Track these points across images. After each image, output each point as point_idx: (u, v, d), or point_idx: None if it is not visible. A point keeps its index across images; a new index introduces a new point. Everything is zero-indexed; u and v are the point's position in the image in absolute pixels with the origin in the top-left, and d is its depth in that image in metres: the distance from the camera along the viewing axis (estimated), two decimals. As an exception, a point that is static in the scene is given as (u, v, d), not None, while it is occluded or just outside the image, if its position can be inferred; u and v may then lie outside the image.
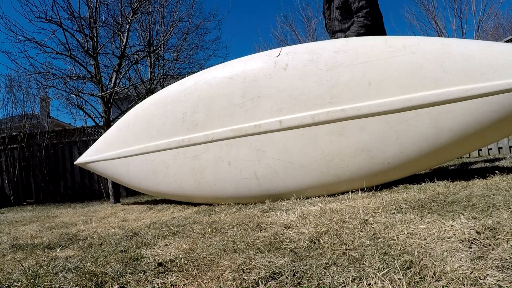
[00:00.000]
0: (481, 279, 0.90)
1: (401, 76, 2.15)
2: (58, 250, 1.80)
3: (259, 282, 1.06)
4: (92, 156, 3.57)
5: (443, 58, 2.07)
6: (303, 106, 2.38)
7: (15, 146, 6.99)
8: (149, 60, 6.75)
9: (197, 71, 4.01)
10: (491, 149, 5.51)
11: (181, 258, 1.37)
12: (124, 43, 5.37)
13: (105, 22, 5.51)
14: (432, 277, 0.94)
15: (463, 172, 2.76)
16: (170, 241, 1.68)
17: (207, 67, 3.14)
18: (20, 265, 1.55)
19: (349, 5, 2.88)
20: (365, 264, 1.08)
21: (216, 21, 12.08)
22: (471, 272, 0.93)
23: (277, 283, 1.05)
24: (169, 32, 6.74)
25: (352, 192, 2.29)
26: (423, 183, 2.18)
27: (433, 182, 2.17)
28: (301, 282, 1.04)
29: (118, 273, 1.25)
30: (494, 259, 0.99)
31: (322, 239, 1.39)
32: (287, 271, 1.10)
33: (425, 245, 1.18)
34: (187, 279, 1.17)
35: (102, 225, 2.54)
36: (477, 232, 1.18)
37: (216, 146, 2.67)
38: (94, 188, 6.83)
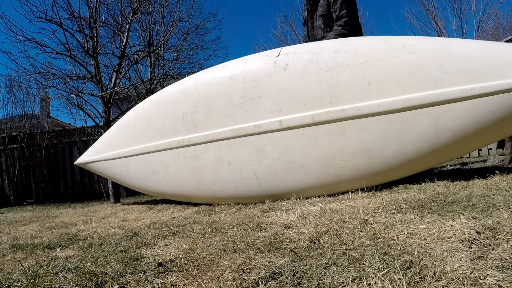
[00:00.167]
0: (481, 279, 0.90)
1: (401, 76, 2.15)
2: (58, 250, 1.80)
3: (259, 282, 1.06)
4: (92, 156, 3.57)
5: (443, 58, 2.07)
6: (303, 106, 2.38)
7: (15, 146, 6.99)
8: (149, 60, 6.76)
9: (197, 71, 4.01)
10: (491, 149, 5.51)
11: (181, 258, 1.37)
12: (124, 43, 5.38)
13: (105, 22, 5.52)
14: (432, 277, 0.94)
15: (463, 172, 2.76)
16: (170, 241, 1.68)
17: (207, 67, 3.14)
18: (20, 265, 1.55)
19: (331, 14, 3.04)
20: (365, 264, 1.08)
21: (216, 21, 12.09)
22: (471, 272, 0.93)
23: (277, 283, 1.05)
24: (169, 32, 6.75)
25: (352, 192, 2.29)
26: (423, 183, 2.18)
27: (433, 182, 2.17)
28: (301, 282, 1.04)
29: (118, 273, 1.25)
30: (494, 259, 0.99)
31: (322, 239, 1.39)
32: (287, 271, 1.10)
33: (425, 245, 1.18)
34: (187, 279, 1.17)
35: (102, 225, 2.54)
36: (477, 232, 1.18)
37: (216, 146, 2.67)
38: (94, 188, 6.83)
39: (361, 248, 1.23)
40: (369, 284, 0.96)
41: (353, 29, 3.01)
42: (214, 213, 2.37)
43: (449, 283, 0.91)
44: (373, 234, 1.37)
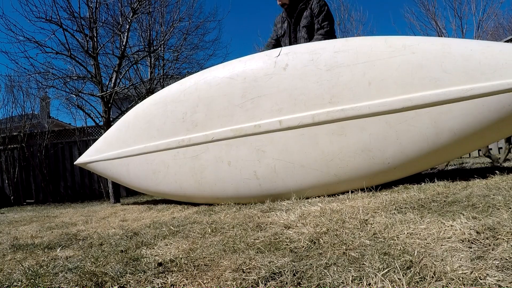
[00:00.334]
0: (481, 279, 0.90)
1: (401, 76, 2.15)
2: (58, 250, 1.80)
3: (259, 282, 1.06)
4: (92, 156, 3.57)
5: (443, 58, 2.07)
6: (303, 106, 2.38)
7: (15, 146, 6.99)
8: (149, 60, 6.75)
9: (197, 71, 4.01)
10: (491, 149, 5.51)
11: (181, 258, 1.37)
12: (124, 43, 5.37)
13: (105, 22, 5.51)
14: (432, 277, 0.94)
15: (463, 172, 2.76)
16: (170, 241, 1.68)
17: (207, 67, 3.14)
18: (20, 265, 1.55)
19: (314, 25, 3.21)
20: (365, 264, 1.08)
21: (216, 21, 11.92)
22: (471, 272, 0.93)
23: (277, 283, 1.05)
24: (169, 32, 6.74)
25: (352, 192, 2.29)
26: (423, 183, 2.18)
27: (433, 182, 2.17)
28: (301, 282, 1.04)
29: (118, 273, 1.25)
30: (494, 259, 0.99)
31: (322, 239, 1.39)
32: (287, 271, 1.10)
33: (425, 245, 1.18)
34: (187, 279, 1.17)
35: (102, 225, 2.54)
36: (477, 232, 1.18)
37: (216, 146, 2.67)
38: (94, 188, 6.83)
39: (361, 248, 1.23)
40: (369, 284, 0.96)
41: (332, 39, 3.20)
42: (214, 213, 2.37)
43: (449, 283, 0.91)
44: (373, 234, 1.37)
